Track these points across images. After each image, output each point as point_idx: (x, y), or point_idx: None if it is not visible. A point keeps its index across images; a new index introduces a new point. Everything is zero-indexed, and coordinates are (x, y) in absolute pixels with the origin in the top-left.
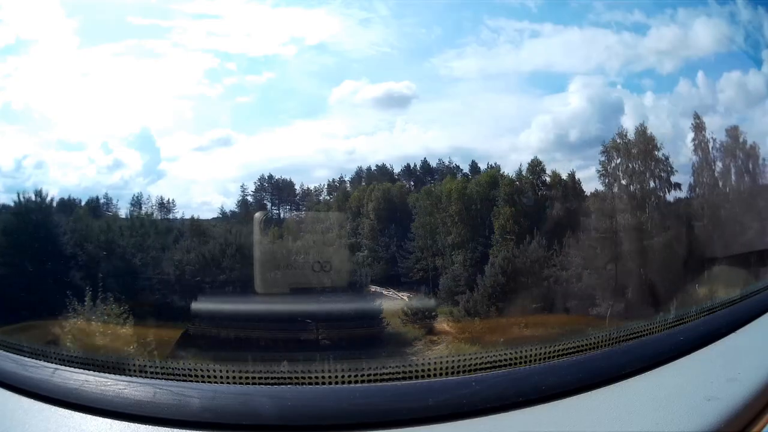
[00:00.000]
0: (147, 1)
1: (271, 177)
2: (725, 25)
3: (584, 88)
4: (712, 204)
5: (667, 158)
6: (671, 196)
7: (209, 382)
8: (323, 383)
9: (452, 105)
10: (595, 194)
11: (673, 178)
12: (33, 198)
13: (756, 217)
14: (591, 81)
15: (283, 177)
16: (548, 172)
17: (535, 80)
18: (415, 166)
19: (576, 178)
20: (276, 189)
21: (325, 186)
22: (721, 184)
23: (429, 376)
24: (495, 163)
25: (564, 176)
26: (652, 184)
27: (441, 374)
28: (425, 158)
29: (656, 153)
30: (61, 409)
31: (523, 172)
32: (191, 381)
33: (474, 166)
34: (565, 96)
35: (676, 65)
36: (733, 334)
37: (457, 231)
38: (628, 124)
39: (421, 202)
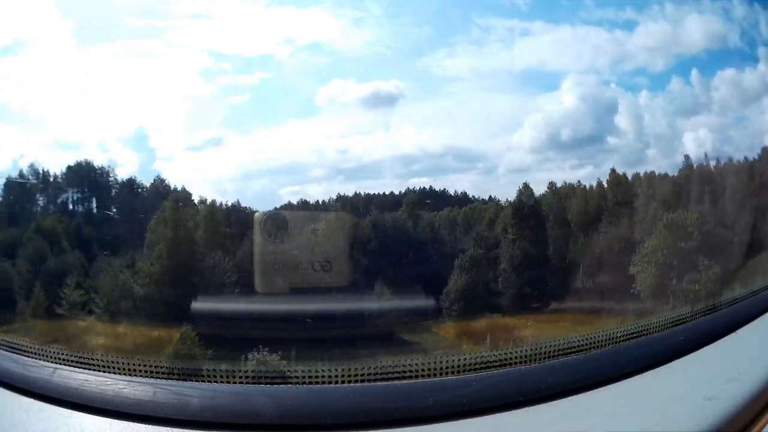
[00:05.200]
0: (143, 2)
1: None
2: (720, 21)
3: (577, 86)
4: None
5: None
6: None
7: (209, 381)
8: (323, 383)
9: (446, 104)
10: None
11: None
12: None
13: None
14: (584, 79)
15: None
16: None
17: (528, 79)
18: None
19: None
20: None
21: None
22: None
23: (429, 376)
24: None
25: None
26: None
27: (441, 374)
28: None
29: None
30: (61, 408)
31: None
32: (191, 380)
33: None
34: (558, 95)
35: (669, 63)
36: (733, 334)
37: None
38: (623, 123)
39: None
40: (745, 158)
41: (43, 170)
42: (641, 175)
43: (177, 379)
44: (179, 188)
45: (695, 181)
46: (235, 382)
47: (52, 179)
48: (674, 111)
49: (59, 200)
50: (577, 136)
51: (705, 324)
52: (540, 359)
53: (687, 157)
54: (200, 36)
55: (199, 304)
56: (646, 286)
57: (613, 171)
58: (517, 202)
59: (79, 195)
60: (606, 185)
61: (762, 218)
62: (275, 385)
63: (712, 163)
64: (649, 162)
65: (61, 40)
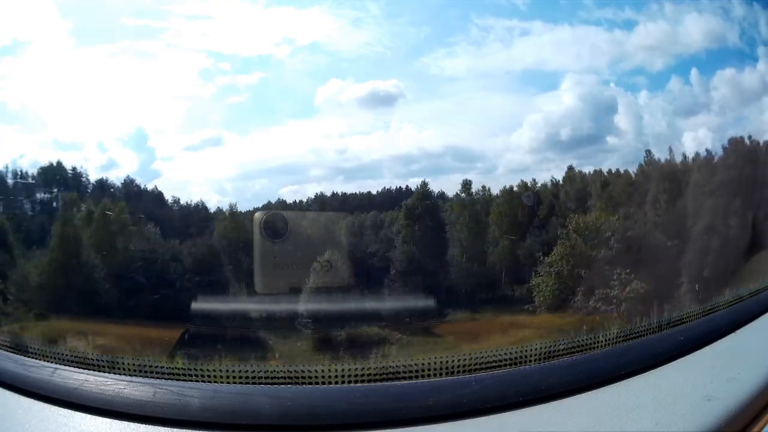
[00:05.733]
0: (141, 3)
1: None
2: (719, 20)
3: (576, 86)
4: None
5: None
6: None
7: (209, 381)
8: (323, 383)
9: (445, 104)
10: None
11: None
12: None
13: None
14: (583, 79)
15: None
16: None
17: (527, 79)
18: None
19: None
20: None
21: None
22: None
23: (429, 376)
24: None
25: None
26: None
27: (441, 374)
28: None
29: None
30: (61, 408)
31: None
32: (191, 381)
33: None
34: (557, 94)
35: (668, 62)
36: (733, 334)
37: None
38: (622, 123)
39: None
40: (709, 153)
41: (21, 171)
42: (582, 174)
43: (177, 380)
44: (156, 188)
45: (647, 181)
46: (235, 382)
47: (30, 180)
48: (673, 111)
49: (30, 199)
50: (576, 136)
51: (705, 324)
52: (540, 359)
53: (649, 152)
54: (199, 36)
55: (199, 304)
56: (542, 301)
57: (570, 168)
58: (411, 203)
59: (48, 195)
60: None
61: (717, 222)
62: (275, 385)
63: (678, 160)
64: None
65: (60, 40)
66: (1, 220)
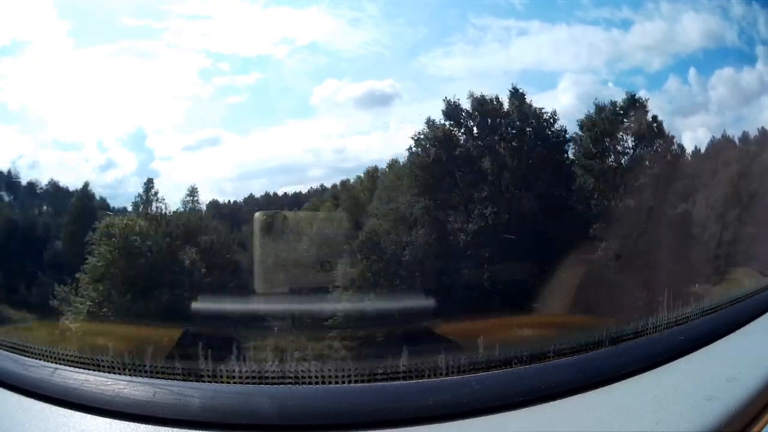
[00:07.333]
0: (141, 3)
1: None
2: (717, 19)
3: (574, 86)
4: None
5: None
6: None
7: (209, 381)
8: (323, 383)
9: (443, 104)
10: None
11: None
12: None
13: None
14: (581, 79)
15: None
16: None
17: (525, 78)
18: None
19: None
20: None
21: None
22: None
23: (429, 376)
24: None
25: None
26: None
27: (441, 374)
28: None
29: None
30: (61, 408)
31: None
32: (191, 380)
33: None
34: (555, 94)
35: (666, 62)
36: (733, 334)
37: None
38: None
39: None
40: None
41: None
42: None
43: (177, 379)
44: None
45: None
46: (235, 382)
47: None
48: (672, 110)
49: None
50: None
51: (705, 324)
52: (540, 359)
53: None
54: (198, 36)
55: (199, 304)
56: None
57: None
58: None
59: None
60: None
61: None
62: (275, 385)
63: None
64: None
65: (59, 40)
66: None
